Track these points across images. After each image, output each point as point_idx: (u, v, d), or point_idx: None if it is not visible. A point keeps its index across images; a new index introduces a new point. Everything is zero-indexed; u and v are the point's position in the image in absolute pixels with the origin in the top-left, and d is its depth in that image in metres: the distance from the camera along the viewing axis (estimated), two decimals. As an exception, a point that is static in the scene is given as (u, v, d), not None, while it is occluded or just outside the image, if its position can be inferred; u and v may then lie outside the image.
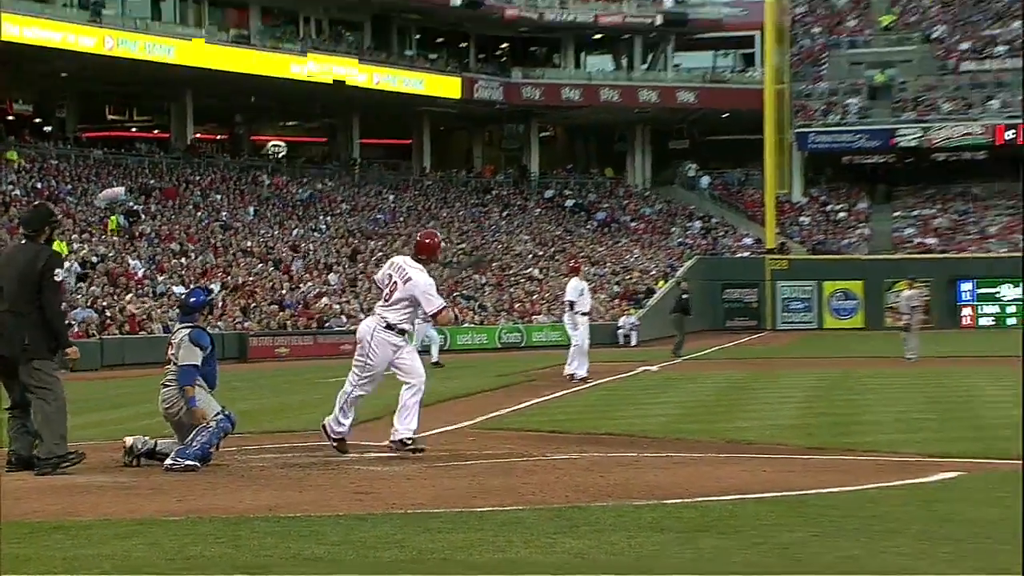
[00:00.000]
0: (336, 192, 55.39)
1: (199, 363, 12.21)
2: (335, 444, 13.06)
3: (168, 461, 11.73)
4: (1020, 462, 11.88)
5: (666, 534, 8.33)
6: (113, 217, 42.17)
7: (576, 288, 24.86)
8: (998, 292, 53.42)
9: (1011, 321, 52.63)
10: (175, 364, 12.25)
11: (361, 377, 13.22)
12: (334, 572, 7.29)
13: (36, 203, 35.50)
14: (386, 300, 13.07)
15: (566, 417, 17.69)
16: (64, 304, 13.26)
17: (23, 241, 12.21)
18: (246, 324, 39.78)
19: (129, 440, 12.14)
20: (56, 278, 11.73)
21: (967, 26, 63.61)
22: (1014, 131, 57.70)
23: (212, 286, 36.49)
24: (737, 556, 7.58)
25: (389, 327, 12.89)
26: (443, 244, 14.47)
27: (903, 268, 48.49)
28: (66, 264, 36.97)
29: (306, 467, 12.22)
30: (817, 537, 8.17)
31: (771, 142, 58.40)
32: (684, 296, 37.42)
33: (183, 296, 13.79)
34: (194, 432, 11.88)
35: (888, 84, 61.03)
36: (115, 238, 41.99)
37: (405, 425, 13.02)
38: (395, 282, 12.94)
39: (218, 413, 12.06)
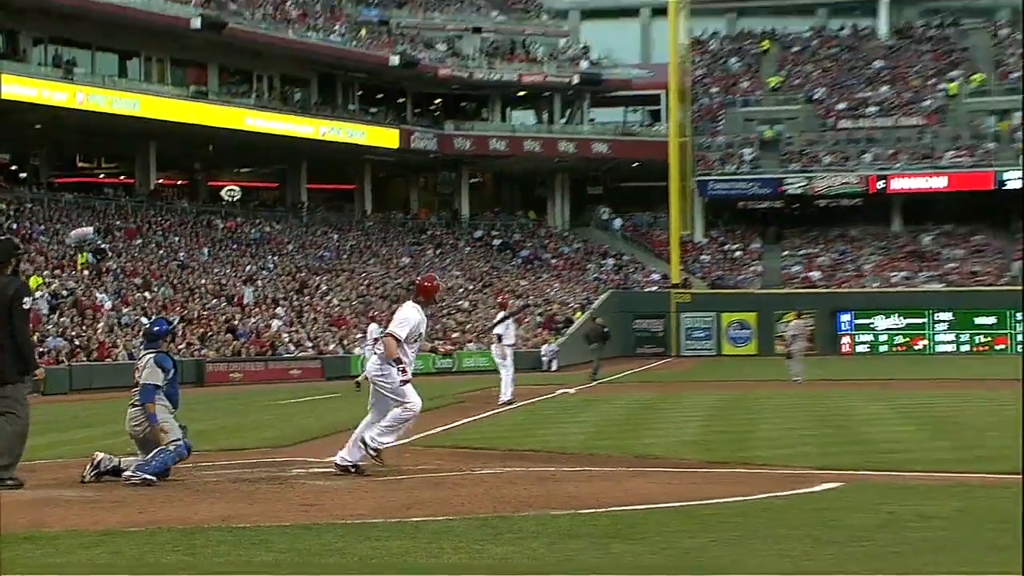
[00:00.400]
0: (284, 234, 55.08)
1: (160, 383, 12.21)
2: (374, 458, 12.49)
3: (126, 473, 11.65)
4: (900, 473, 12.12)
5: (581, 540, 8.35)
6: (83, 254, 41.72)
7: (504, 323, 24.93)
8: (872, 323, 53.89)
9: (883, 348, 53.19)
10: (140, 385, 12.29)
11: (398, 397, 12.52)
12: (280, 574, 7.33)
13: (2, 237, 35.05)
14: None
15: (492, 435, 17.74)
16: (32, 330, 12.94)
17: None
18: (203, 351, 39.48)
19: (99, 456, 12.02)
20: (24, 306, 11.52)
21: (843, 88, 64.36)
22: (884, 181, 58.49)
23: (172, 317, 36.18)
24: (644, 560, 7.63)
25: (383, 361, 12.53)
26: (440, 286, 13.81)
27: (791, 301, 48.81)
28: (38, 295, 36.71)
29: (256, 482, 12.14)
30: (715, 542, 8.22)
31: (675, 189, 58.68)
32: (604, 329, 37.67)
33: (147, 326, 13.72)
34: (155, 451, 11.83)
35: (776, 139, 61.57)
36: (84, 272, 41.54)
37: (380, 437, 12.55)
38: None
39: (178, 439, 11.99)
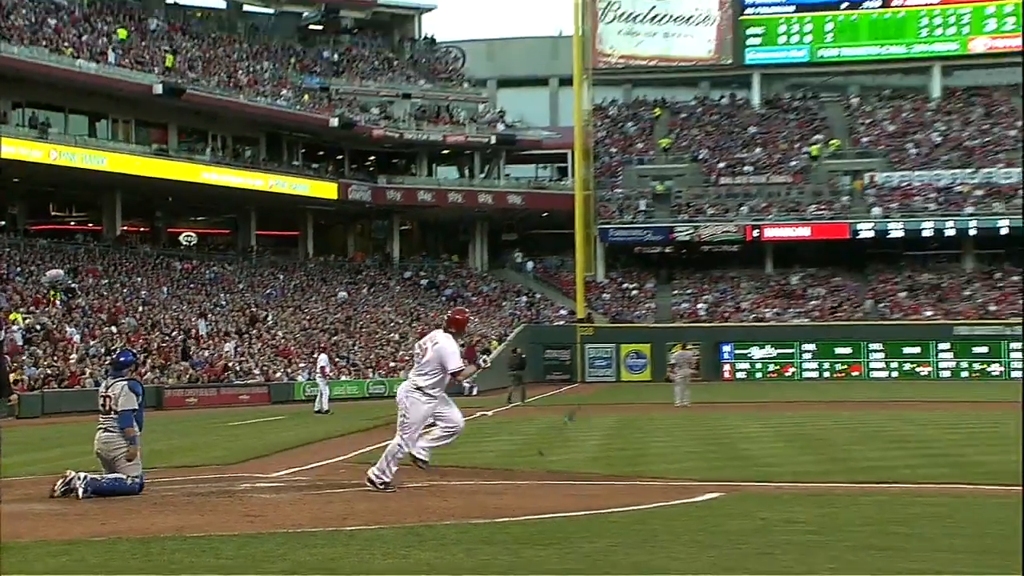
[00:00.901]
0: (235, 274, 54.62)
1: (136, 407, 12.08)
2: (383, 490, 11.97)
3: (80, 486, 11.50)
4: (783, 484, 12.15)
5: (497, 546, 8.31)
6: (55, 293, 41.04)
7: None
8: (749, 353, 54.50)
9: (758, 375, 53.73)
10: (114, 411, 12.07)
11: (404, 432, 12.25)
12: None
13: None
14: (418, 363, 12.51)
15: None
16: (11, 362, 12.65)
17: None
18: (163, 379, 38.97)
19: (70, 473, 11.80)
20: None
21: (723, 150, 65.22)
22: (758, 230, 59.08)
23: (135, 349, 35.77)
24: (551, 563, 7.61)
25: (419, 389, 12.28)
26: (469, 318, 13.68)
27: (680, 334, 49.29)
28: (15, 328, 36.03)
29: (207, 495, 12.03)
30: (614, 547, 8.22)
31: (580, 235, 59.24)
32: (523, 357, 37.87)
33: (115, 355, 13.52)
34: (114, 476, 11.69)
35: (667, 193, 62.07)
36: (56, 308, 40.96)
37: (427, 447, 12.46)
38: (426, 348, 12.43)
39: (138, 476, 11.86)
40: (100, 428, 12.12)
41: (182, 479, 13.48)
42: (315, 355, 39.18)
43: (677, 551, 8.02)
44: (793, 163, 62.90)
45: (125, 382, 12.16)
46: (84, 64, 48.32)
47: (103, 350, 38.54)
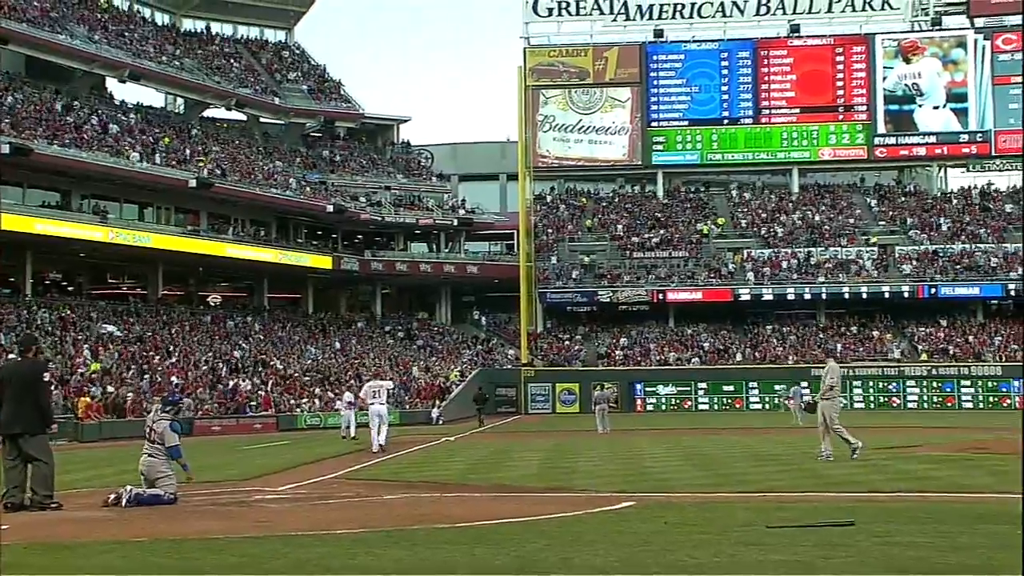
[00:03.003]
0: (252, 325, 54.21)
1: (178, 443, 12.10)
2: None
3: (126, 496, 11.50)
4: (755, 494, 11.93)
5: (455, 546, 8.22)
6: (94, 364, 39.35)
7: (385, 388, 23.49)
8: (656, 389, 54.46)
9: (664, 407, 53.38)
10: (158, 442, 11.97)
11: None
12: (242, 573, 7.15)
13: (26, 332, 34.02)
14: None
15: (396, 469, 17.53)
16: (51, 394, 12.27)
17: (19, 357, 11.70)
18: (196, 408, 38.58)
19: (121, 488, 11.81)
20: (45, 379, 11.32)
21: (635, 230, 65.12)
22: (662, 294, 59.16)
23: (184, 398, 35.56)
24: (498, 560, 7.54)
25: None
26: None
27: (602, 375, 49.48)
28: (91, 373, 35.35)
29: (226, 505, 11.91)
30: (548, 546, 8.12)
31: (524, 297, 59.46)
32: (485, 395, 37.98)
33: (165, 395, 13.49)
34: (153, 491, 11.68)
35: (592, 264, 62.28)
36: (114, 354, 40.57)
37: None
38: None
39: (172, 492, 11.85)
40: (144, 453, 12.06)
41: (207, 492, 13.30)
42: (344, 391, 38.19)
43: (598, 549, 7.94)
44: (689, 241, 63.41)
45: (167, 423, 12.10)
46: (136, 164, 48.15)
47: (149, 383, 38.27)
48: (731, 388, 53.58)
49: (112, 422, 34.21)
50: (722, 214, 66.33)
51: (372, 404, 22.43)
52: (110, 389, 36.65)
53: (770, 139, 66.68)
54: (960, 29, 66.29)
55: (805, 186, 68.29)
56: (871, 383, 52.89)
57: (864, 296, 57.67)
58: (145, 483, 11.86)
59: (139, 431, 14.35)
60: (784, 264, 59.93)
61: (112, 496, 11.70)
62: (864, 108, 66.02)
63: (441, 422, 44.41)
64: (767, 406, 52.16)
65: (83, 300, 48.58)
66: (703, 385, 54.26)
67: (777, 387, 50.90)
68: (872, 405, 51.94)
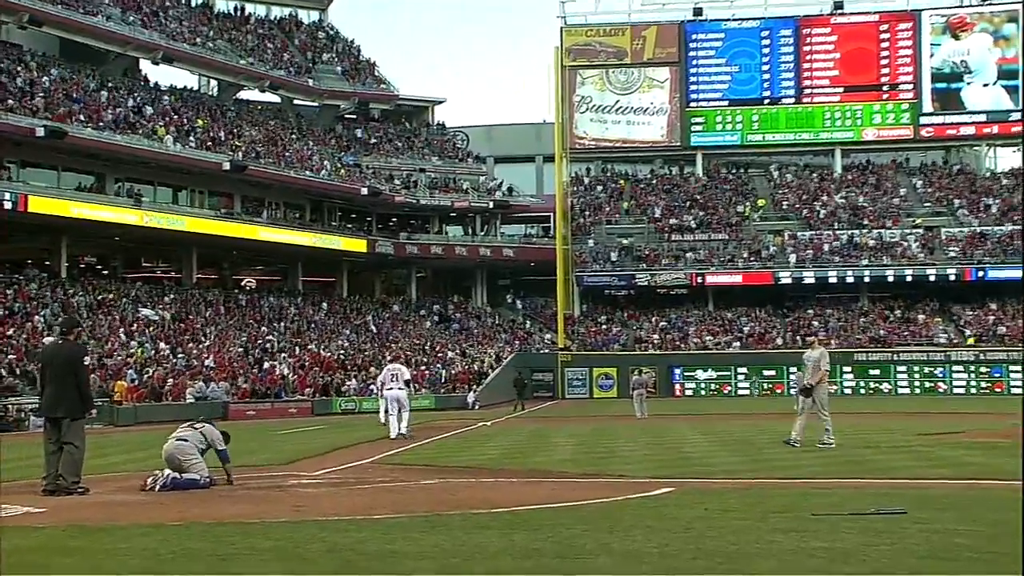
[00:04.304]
0: (286, 309, 54.63)
1: (225, 443, 12.29)
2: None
3: (161, 481, 11.63)
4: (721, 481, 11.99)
5: (493, 531, 8.21)
6: (139, 350, 39.86)
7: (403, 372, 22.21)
8: (695, 374, 54.38)
9: (703, 392, 53.44)
10: (201, 433, 12.11)
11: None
12: (277, 558, 7.15)
13: (67, 315, 34.54)
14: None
15: (433, 454, 17.55)
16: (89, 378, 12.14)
17: (60, 340, 11.67)
18: (231, 391, 39.05)
19: (159, 472, 11.88)
20: (84, 363, 11.40)
21: (674, 212, 64.83)
22: (701, 277, 58.84)
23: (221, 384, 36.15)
24: (536, 544, 7.52)
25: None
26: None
27: (640, 360, 49.38)
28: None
29: (262, 489, 11.92)
30: (587, 531, 8.08)
31: (561, 280, 59.44)
32: (525, 380, 38.16)
33: (202, 394, 13.51)
34: (191, 474, 11.75)
35: (630, 246, 62.15)
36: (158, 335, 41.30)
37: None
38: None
39: (207, 476, 11.94)
40: (174, 437, 12.04)
41: (241, 477, 13.18)
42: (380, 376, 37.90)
43: (636, 535, 7.90)
44: (728, 223, 62.97)
45: (211, 427, 12.32)
46: (170, 147, 48.61)
47: (185, 366, 38.84)
48: (772, 373, 53.12)
49: (148, 406, 34.68)
50: (762, 195, 65.78)
51: (391, 389, 21.48)
52: (148, 371, 37.13)
53: (812, 119, 65.95)
54: (1012, 3, 64.92)
55: (848, 167, 67.47)
56: (916, 368, 52.35)
57: (909, 279, 56.99)
58: (169, 468, 11.87)
59: (174, 415, 14.53)
60: (826, 247, 59.38)
61: (149, 479, 11.78)
62: (910, 86, 65.04)
63: (477, 407, 44.58)
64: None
65: (118, 284, 49.15)
66: (743, 370, 54.00)
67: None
68: (917, 391, 51.43)
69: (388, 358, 33.01)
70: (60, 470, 10.96)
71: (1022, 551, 6.58)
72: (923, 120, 64.77)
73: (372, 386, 38.08)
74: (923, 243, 58.88)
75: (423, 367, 49.56)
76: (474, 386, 48.03)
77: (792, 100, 66.01)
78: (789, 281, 58.20)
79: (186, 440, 11.98)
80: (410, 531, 8.24)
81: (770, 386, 53.08)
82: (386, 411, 21.93)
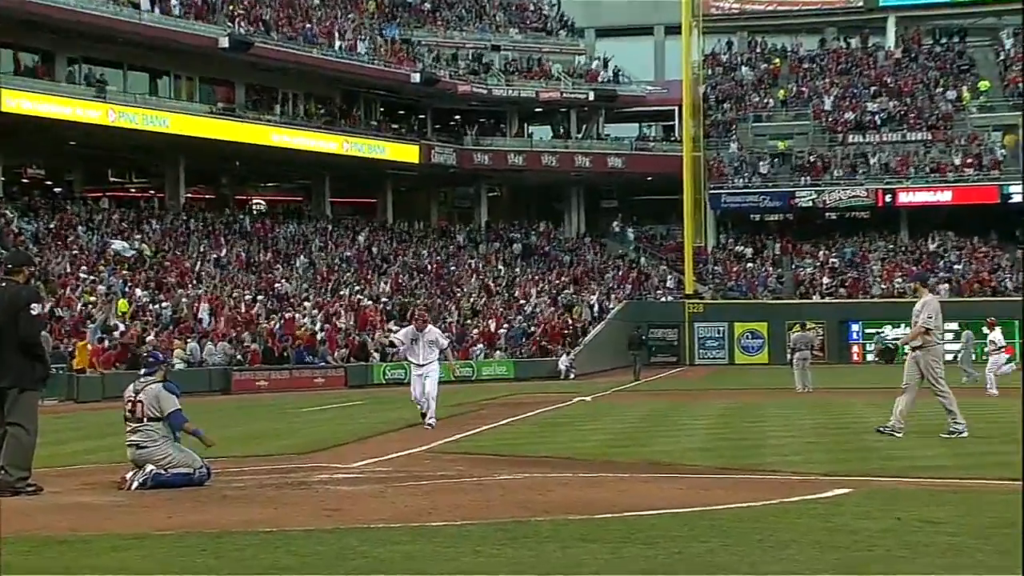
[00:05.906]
0: (310, 241, 55.24)
1: (179, 406, 12.13)
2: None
3: (140, 478, 11.71)
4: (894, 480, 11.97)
5: (595, 544, 8.26)
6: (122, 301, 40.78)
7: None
8: (882, 331, 53.77)
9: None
10: (147, 417, 11.94)
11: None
12: None
13: (16, 248, 35.08)
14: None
15: (511, 440, 17.71)
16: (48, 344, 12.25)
17: (1, 282, 11.37)
18: (231, 353, 39.69)
19: (148, 467, 11.92)
20: (32, 311, 11.17)
21: (851, 103, 64.00)
22: (891, 195, 58.46)
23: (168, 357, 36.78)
24: (656, 564, 7.57)
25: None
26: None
27: (801, 311, 48.87)
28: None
29: (281, 487, 12.08)
30: (726, 547, 8.13)
31: (689, 201, 58.97)
32: (643, 336, 38.13)
33: (143, 355, 13.45)
34: (177, 468, 11.82)
35: (788, 152, 61.51)
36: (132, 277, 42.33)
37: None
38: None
39: (202, 467, 12.00)
40: (130, 444, 12.01)
41: (254, 469, 13.55)
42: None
43: (797, 552, 7.94)
44: (933, 117, 61.72)
45: (159, 386, 12.11)
46: (146, 15, 48.98)
47: (171, 315, 39.86)
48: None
49: (119, 374, 35.18)
50: (986, 75, 64.18)
51: (424, 365, 20.51)
52: (119, 327, 37.77)
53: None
54: None
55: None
56: None
57: None
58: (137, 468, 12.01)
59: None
60: (1077, 149, 57.90)
61: (128, 474, 11.95)
62: None
63: (572, 376, 44.74)
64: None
65: (77, 205, 49.96)
66: (952, 325, 52.91)
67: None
68: None
69: (420, 309, 31.22)
70: (2, 461, 11.00)
71: (1022, 550, 7.00)
72: None
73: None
74: None
75: (499, 321, 49.69)
76: (568, 348, 48.18)
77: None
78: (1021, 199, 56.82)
79: (148, 443, 11.90)
80: (482, 543, 8.38)
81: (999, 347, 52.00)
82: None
